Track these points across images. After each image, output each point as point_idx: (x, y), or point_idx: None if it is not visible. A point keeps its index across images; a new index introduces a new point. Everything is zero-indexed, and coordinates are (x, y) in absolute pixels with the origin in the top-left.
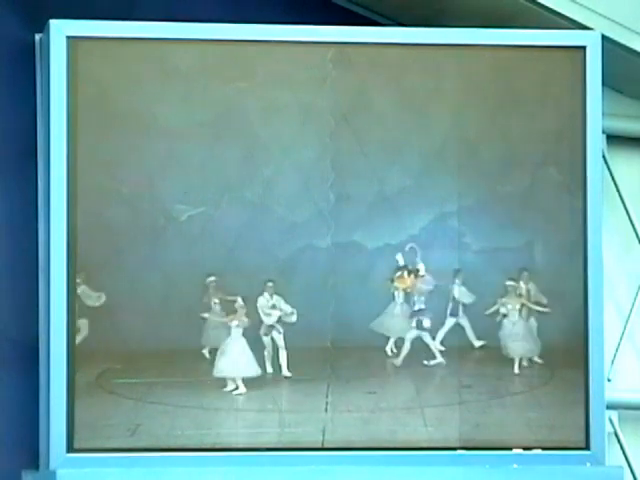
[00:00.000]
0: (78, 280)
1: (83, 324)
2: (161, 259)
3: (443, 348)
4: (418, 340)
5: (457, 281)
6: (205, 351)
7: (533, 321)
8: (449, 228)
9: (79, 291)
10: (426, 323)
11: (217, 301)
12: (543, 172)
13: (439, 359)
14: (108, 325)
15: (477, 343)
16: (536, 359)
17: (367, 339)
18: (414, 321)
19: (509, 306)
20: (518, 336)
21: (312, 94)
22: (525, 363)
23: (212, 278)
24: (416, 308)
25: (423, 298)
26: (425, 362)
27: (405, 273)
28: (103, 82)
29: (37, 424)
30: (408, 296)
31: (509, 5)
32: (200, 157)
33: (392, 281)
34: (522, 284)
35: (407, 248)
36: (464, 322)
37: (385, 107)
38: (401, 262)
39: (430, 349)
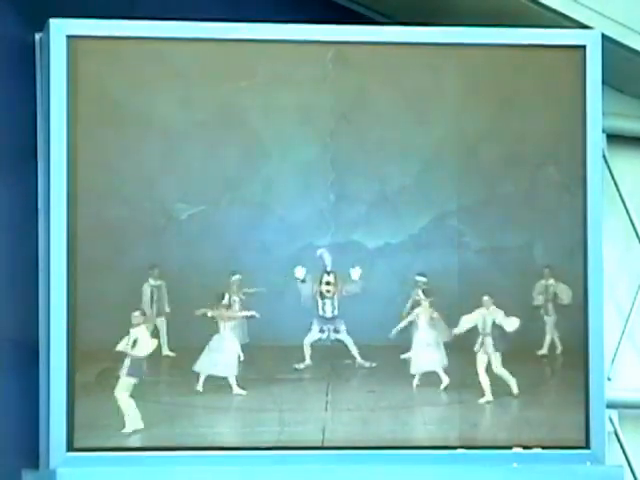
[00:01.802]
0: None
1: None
2: (161, 258)
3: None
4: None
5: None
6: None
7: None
8: (449, 228)
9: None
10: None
11: (236, 299)
12: (543, 172)
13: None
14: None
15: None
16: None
17: (367, 338)
18: (325, 327)
19: (420, 317)
20: (429, 347)
21: (312, 93)
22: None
23: (237, 276)
24: (336, 314)
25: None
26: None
27: (332, 277)
28: (103, 81)
29: (37, 424)
30: (332, 301)
31: (509, 4)
32: (200, 156)
33: (328, 284)
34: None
35: (318, 254)
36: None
37: (385, 106)
38: (300, 275)
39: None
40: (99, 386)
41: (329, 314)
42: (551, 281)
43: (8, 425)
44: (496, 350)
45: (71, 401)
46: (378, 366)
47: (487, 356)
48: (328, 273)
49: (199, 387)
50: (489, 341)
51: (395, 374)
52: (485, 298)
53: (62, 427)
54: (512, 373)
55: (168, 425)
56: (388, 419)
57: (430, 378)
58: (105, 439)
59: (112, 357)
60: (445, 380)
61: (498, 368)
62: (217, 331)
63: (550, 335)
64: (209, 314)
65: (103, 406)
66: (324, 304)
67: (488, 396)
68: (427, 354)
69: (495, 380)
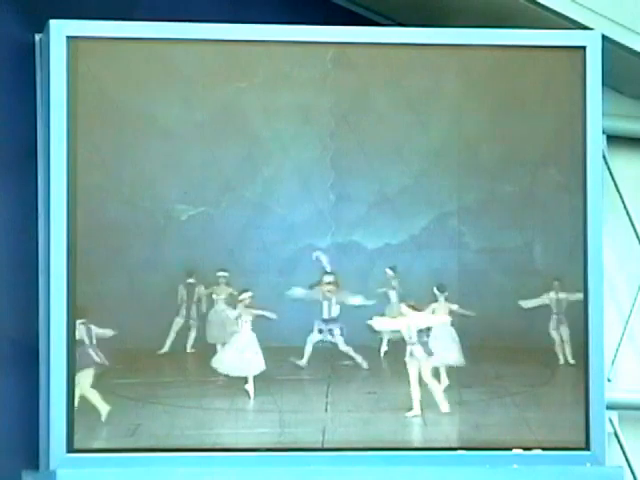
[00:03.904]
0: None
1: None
2: (161, 259)
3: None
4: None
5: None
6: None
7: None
8: (449, 228)
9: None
10: (337, 332)
11: (222, 297)
12: (543, 172)
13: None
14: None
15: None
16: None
17: (367, 339)
18: (324, 328)
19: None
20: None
21: (312, 94)
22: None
23: (223, 273)
24: (334, 315)
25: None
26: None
27: (332, 277)
28: (103, 82)
29: (37, 424)
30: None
31: (509, 5)
32: (200, 157)
33: (329, 284)
34: (552, 294)
35: (314, 257)
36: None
37: (385, 107)
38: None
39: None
40: (99, 387)
41: (333, 314)
42: (561, 294)
43: (8, 426)
44: (429, 356)
45: (71, 402)
46: (378, 368)
47: (418, 365)
48: (328, 273)
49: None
50: (418, 349)
51: (395, 376)
52: (402, 305)
53: (62, 428)
54: (512, 374)
55: (168, 426)
56: (388, 420)
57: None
58: (105, 440)
59: (112, 358)
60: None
61: (427, 378)
62: (237, 331)
63: (561, 346)
64: (233, 316)
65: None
66: (326, 304)
67: (416, 410)
68: (441, 351)
69: (493, 381)
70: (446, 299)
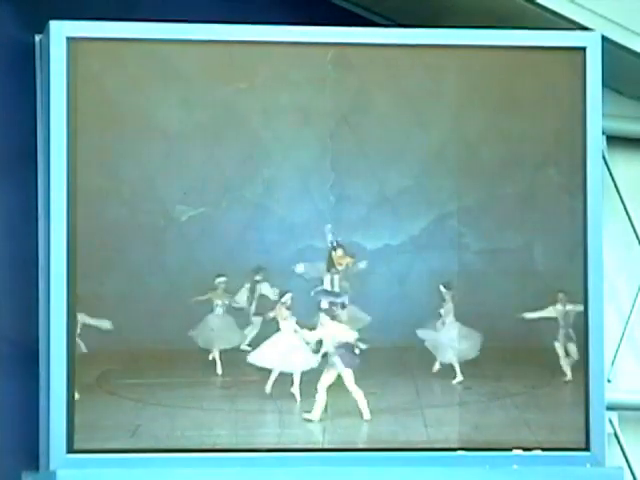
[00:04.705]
0: None
1: None
2: (161, 259)
3: None
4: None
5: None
6: (215, 352)
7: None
8: (449, 229)
9: None
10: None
11: (219, 303)
12: (543, 173)
13: None
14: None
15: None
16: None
17: (368, 340)
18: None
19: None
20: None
21: (312, 95)
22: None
23: (222, 279)
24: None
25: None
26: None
27: (340, 251)
28: (103, 83)
29: (37, 425)
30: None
31: (509, 6)
32: (200, 158)
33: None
34: (559, 306)
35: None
36: None
37: (385, 108)
38: (301, 270)
39: None
40: (99, 388)
41: (337, 288)
42: (568, 306)
43: (8, 426)
44: (346, 367)
45: (71, 402)
46: (378, 368)
47: (334, 374)
48: (335, 249)
49: (269, 388)
50: (337, 359)
51: (395, 376)
52: (322, 315)
53: (62, 428)
54: (512, 375)
55: (168, 427)
56: (388, 421)
57: (435, 377)
58: (105, 441)
59: (113, 358)
60: (459, 376)
61: (350, 385)
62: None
63: (563, 352)
64: (271, 315)
65: (104, 407)
66: (333, 279)
67: (315, 415)
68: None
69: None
70: (452, 297)
